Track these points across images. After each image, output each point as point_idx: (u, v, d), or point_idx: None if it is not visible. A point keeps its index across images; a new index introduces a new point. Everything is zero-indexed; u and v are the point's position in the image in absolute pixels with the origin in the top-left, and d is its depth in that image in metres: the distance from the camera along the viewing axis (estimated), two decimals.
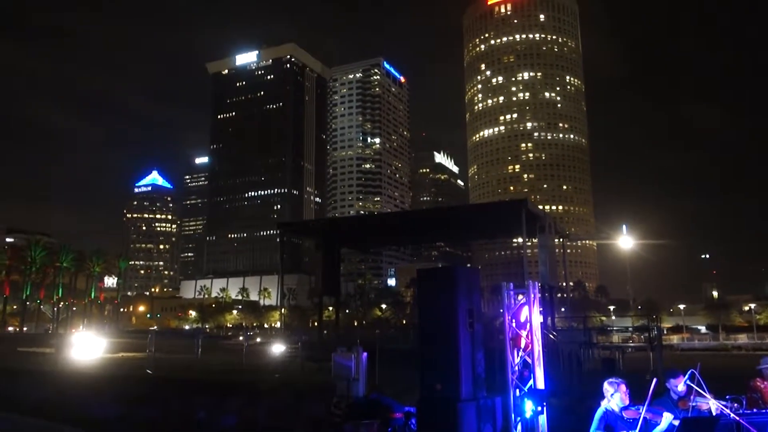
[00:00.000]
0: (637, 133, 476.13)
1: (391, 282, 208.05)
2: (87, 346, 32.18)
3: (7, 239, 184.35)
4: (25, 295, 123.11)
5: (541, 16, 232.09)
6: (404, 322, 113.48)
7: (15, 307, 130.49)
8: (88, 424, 12.72)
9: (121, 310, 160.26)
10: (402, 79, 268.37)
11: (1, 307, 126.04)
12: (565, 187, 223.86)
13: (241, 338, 68.13)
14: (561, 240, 35.65)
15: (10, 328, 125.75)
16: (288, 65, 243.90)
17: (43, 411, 14.29)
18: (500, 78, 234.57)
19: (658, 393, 6.67)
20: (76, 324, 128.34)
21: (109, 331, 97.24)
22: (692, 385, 6.68)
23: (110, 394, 14.98)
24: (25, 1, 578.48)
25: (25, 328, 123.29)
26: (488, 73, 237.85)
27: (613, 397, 6.61)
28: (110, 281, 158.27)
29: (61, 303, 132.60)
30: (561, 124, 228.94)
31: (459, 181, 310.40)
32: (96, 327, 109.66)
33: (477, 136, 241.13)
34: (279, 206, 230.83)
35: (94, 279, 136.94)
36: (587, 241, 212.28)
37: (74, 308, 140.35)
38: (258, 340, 63.90)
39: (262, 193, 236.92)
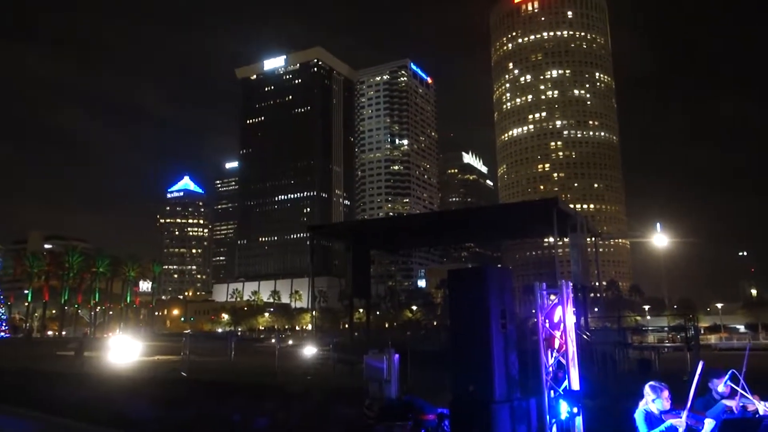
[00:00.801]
0: (670, 129, 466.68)
1: (421, 283, 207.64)
2: (123, 349, 32.80)
3: (46, 246, 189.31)
4: (64, 299, 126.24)
5: (569, 13, 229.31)
6: (435, 323, 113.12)
7: (54, 311, 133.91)
8: (125, 426, 12.93)
9: (156, 313, 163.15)
10: (429, 80, 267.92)
11: (41, 312, 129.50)
12: (596, 185, 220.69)
13: (273, 341, 68.61)
14: (593, 239, 35.13)
15: (50, 332, 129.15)
16: (315, 69, 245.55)
17: (82, 413, 14.59)
18: (528, 76, 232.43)
19: (699, 394, 6.51)
20: (112, 328, 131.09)
21: (145, 334, 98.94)
22: (733, 385, 6.50)
23: (146, 396, 15.23)
24: (50, 10, 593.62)
25: (64, 332, 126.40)
26: (516, 71, 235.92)
27: (655, 403, 6.46)
28: (145, 285, 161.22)
29: (98, 307, 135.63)
30: (591, 122, 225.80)
31: (488, 181, 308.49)
32: (132, 330, 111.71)
33: (506, 135, 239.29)
34: (308, 209, 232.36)
35: (130, 283, 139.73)
36: (620, 240, 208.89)
37: (111, 312, 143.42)
38: (290, 342, 64.31)
39: (292, 196, 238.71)
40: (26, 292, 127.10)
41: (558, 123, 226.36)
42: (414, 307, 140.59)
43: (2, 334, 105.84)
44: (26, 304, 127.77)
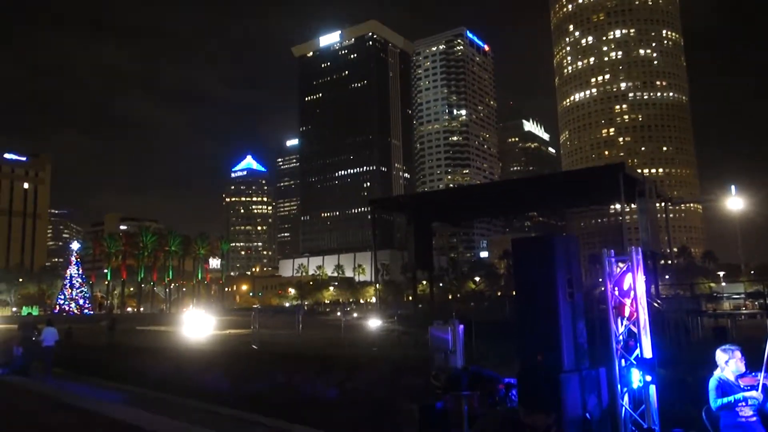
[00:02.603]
0: (744, 85, 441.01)
1: (484, 254, 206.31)
2: (197, 324, 34.20)
3: (121, 227, 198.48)
4: (140, 278, 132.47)
5: None
6: (499, 294, 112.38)
7: (132, 289, 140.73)
8: (203, 397, 13.56)
9: (226, 289, 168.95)
10: (486, 48, 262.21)
11: (120, 290, 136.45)
12: (665, 148, 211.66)
13: (338, 314, 69.95)
14: (663, 204, 33.88)
15: (129, 309, 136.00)
16: (370, 42, 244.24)
17: (163, 384, 15.39)
18: (590, 38, 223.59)
19: None
20: (186, 303, 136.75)
21: (216, 309, 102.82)
22: None
23: (221, 368, 15.89)
24: (108, 3, 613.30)
25: (141, 309, 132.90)
26: (577, 33, 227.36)
27: (728, 365, 6.27)
28: (215, 263, 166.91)
29: (172, 284, 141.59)
30: (658, 82, 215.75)
31: (550, 149, 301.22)
32: (204, 306, 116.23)
33: (567, 100, 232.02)
34: (368, 184, 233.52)
35: (200, 261, 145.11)
36: (692, 205, 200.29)
37: (184, 289, 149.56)
38: (355, 315, 65.42)
39: (352, 171, 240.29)
40: (105, 271, 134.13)
41: (623, 85, 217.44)
42: (477, 279, 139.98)
43: (87, 311, 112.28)
44: (106, 282, 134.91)
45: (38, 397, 14.59)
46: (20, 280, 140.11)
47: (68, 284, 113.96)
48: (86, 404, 12.99)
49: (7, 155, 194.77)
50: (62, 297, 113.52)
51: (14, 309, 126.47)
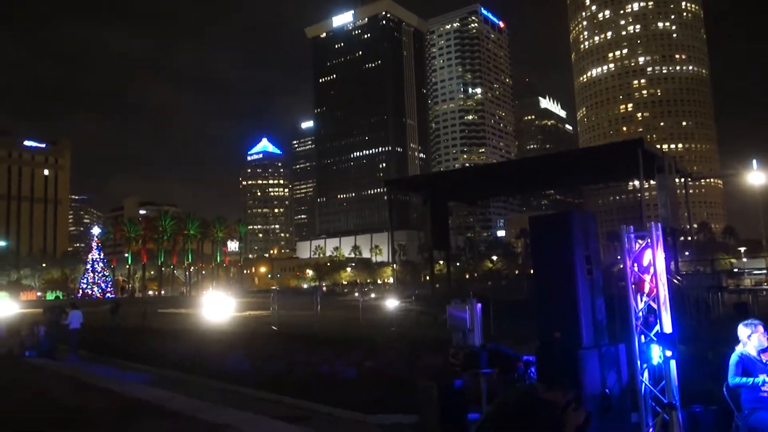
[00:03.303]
0: (766, 56, 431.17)
1: (501, 233, 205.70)
2: (218, 306, 34.61)
3: (140, 211, 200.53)
4: (160, 261, 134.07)
5: None
6: (516, 273, 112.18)
7: (152, 272, 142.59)
8: (223, 377, 13.77)
9: (245, 271, 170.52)
10: (501, 24, 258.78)
11: (141, 273, 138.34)
12: (684, 123, 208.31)
13: (356, 294, 70.32)
14: (682, 180, 33.42)
15: (150, 292, 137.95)
16: (384, 22, 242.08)
17: (185, 365, 15.64)
18: (607, 12, 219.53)
19: None
20: (206, 286, 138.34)
21: (235, 291, 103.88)
22: None
23: (242, 349, 16.09)
24: None
25: (162, 292, 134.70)
26: (594, 7, 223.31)
27: (750, 340, 6.22)
28: (233, 245, 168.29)
29: (192, 267, 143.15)
30: (677, 56, 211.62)
31: (567, 126, 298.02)
32: (223, 288, 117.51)
33: (584, 76, 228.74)
34: (384, 164, 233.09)
35: (219, 244, 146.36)
36: (712, 180, 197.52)
37: (203, 272, 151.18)
38: (372, 295, 65.77)
39: (367, 152, 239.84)
40: (126, 255, 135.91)
41: (641, 59, 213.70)
42: (494, 258, 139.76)
43: (109, 294, 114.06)
44: (127, 266, 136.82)
45: (64, 378, 14.91)
46: (44, 265, 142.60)
47: (90, 269, 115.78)
48: (110, 385, 13.26)
49: (27, 142, 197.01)
50: (85, 281, 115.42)
51: (39, 293, 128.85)
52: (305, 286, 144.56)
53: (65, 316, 20.64)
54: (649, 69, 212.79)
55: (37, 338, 20.04)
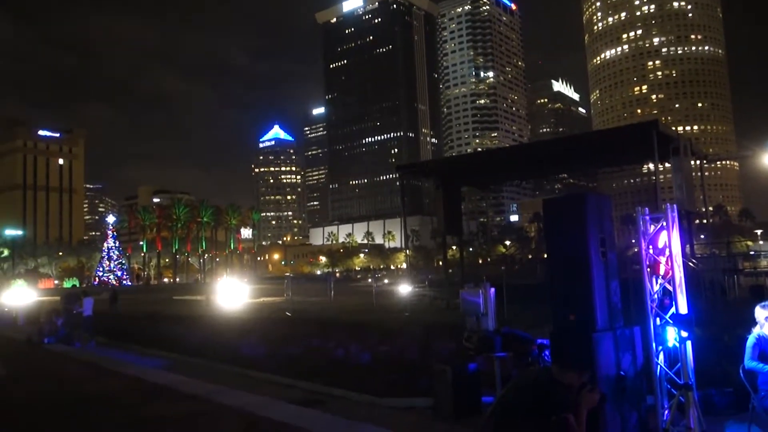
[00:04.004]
0: None
1: (514, 218, 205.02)
2: (232, 293, 34.88)
3: (154, 199, 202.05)
4: (174, 249, 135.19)
5: None
6: (529, 257, 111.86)
7: (167, 260, 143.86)
8: (239, 362, 13.91)
9: (258, 258, 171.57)
10: (512, 7, 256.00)
11: (156, 261, 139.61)
12: (700, 104, 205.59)
13: (369, 280, 70.62)
14: (698, 162, 33.03)
15: (165, 279, 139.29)
16: (394, 6, 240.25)
17: (202, 351, 15.81)
18: None
19: None
20: (220, 273, 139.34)
21: (249, 278, 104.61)
22: None
23: (257, 334, 16.23)
24: None
25: (177, 279, 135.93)
26: None
27: None
28: (246, 233, 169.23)
29: (206, 255, 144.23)
30: (693, 36, 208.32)
31: (580, 109, 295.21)
32: (237, 275, 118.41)
33: (598, 58, 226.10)
34: (396, 150, 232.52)
35: (232, 231, 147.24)
36: (728, 162, 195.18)
37: (217, 259, 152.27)
38: (385, 281, 65.93)
39: (379, 138, 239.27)
40: (141, 243, 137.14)
41: (655, 40, 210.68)
42: (507, 243, 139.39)
43: (125, 282, 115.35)
44: (142, 254, 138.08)
45: (83, 363, 15.15)
46: (60, 253, 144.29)
47: (106, 257, 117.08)
48: (129, 370, 13.45)
49: (41, 132, 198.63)
50: (101, 269, 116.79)
51: (56, 282, 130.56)
52: (318, 272, 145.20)
53: (80, 303, 20.94)
54: (664, 50, 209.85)
55: (55, 325, 20.34)
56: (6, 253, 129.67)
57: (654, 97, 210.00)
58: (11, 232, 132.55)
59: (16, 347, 19.06)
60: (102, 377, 12.75)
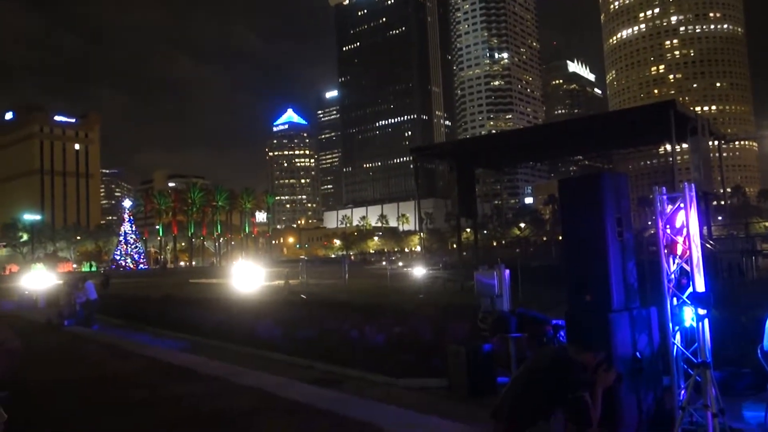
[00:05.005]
0: None
1: (529, 200, 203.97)
2: (247, 276, 35.11)
3: (170, 184, 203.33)
4: (190, 232, 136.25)
5: None
6: (544, 239, 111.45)
7: (183, 244, 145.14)
8: (255, 344, 14.05)
9: (273, 242, 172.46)
10: None
11: (172, 245, 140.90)
12: (718, 84, 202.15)
13: (383, 263, 70.83)
14: (716, 142, 32.58)
15: (182, 263, 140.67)
16: None
17: (218, 333, 15.98)
18: None
19: None
20: (235, 256, 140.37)
21: (264, 261, 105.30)
22: None
23: (272, 317, 16.35)
24: None
25: (193, 263, 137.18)
26: None
27: None
28: (261, 216, 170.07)
29: (221, 238, 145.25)
30: (712, 14, 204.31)
31: (596, 90, 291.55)
32: (252, 258, 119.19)
33: (614, 38, 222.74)
34: (410, 132, 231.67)
35: (247, 215, 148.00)
36: (747, 142, 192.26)
37: (232, 243, 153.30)
38: (400, 264, 66.06)
39: (392, 121, 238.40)
40: (157, 227, 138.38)
41: (673, 19, 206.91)
42: (522, 225, 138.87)
43: (142, 266, 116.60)
44: (158, 238, 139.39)
45: (103, 345, 15.40)
46: (78, 237, 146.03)
47: (123, 241, 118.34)
48: (147, 351, 13.66)
49: (57, 117, 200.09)
50: (118, 253, 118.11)
51: (74, 265, 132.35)
52: (333, 255, 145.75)
53: (81, 286, 21.13)
54: (682, 28, 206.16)
55: (74, 308, 20.66)
56: (25, 237, 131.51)
57: (671, 77, 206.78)
58: (30, 217, 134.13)
59: (38, 329, 19.41)
60: (121, 358, 12.96)
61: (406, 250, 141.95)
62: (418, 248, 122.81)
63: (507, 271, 10.86)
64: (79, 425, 7.78)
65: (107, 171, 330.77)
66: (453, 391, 8.82)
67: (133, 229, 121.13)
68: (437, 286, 28.67)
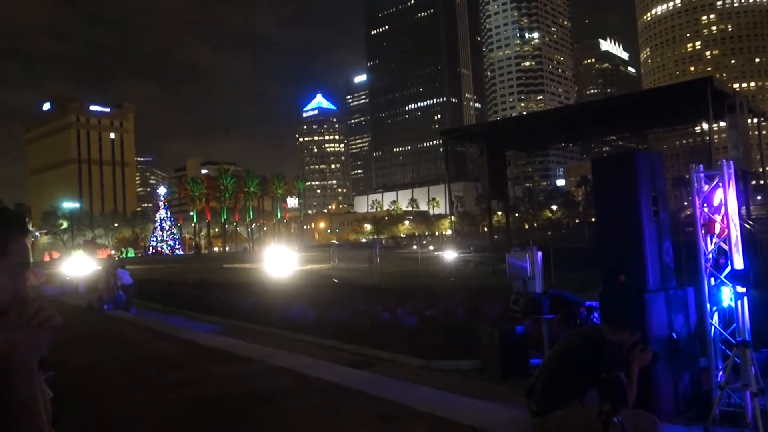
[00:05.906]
0: None
1: (561, 182, 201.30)
2: (280, 260, 35.54)
3: (202, 171, 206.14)
4: (223, 218, 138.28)
5: None
6: (576, 221, 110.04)
7: (216, 230, 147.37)
8: (288, 327, 14.27)
9: (305, 227, 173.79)
10: None
11: (206, 231, 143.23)
12: (758, 60, 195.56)
13: (414, 247, 70.81)
14: (755, 120, 31.60)
15: (215, 249, 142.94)
16: None
17: (252, 316, 16.27)
18: None
19: None
20: (268, 242, 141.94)
21: (296, 246, 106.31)
22: None
23: (304, 300, 16.56)
24: None
25: (227, 248, 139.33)
26: None
27: None
28: (292, 202, 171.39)
29: (253, 224, 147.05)
30: None
31: (630, 69, 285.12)
32: (285, 243, 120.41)
33: (648, 14, 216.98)
34: (439, 116, 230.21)
35: (278, 200, 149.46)
36: None
37: (265, 228, 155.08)
38: (431, 247, 65.99)
39: (422, 104, 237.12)
40: (191, 213, 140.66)
41: None
42: (554, 207, 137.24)
43: (178, 251, 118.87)
44: (192, 224, 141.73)
45: (141, 328, 15.82)
46: (115, 224, 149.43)
47: (159, 227, 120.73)
48: (184, 334, 13.98)
49: (92, 107, 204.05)
50: (154, 239, 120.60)
51: (113, 251, 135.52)
52: (364, 239, 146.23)
53: (114, 274, 21.60)
54: (719, 3, 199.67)
55: (113, 293, 21.21)
56: (65, 224, 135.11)
57: (708, 53, 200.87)
58: (69, 205, 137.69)
59: (80, 313, 20.01)
60: (159, 340, 13.30)
61: (437, 233, 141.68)
62: (449, 232, 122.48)
63: (539, 254, 10.78)
64: (120, 401, 8.04)
65: (141, 159, 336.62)
66: (486, 373, 8.84)
67: (168, 215, 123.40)
68: (469, 270, 28.62)
